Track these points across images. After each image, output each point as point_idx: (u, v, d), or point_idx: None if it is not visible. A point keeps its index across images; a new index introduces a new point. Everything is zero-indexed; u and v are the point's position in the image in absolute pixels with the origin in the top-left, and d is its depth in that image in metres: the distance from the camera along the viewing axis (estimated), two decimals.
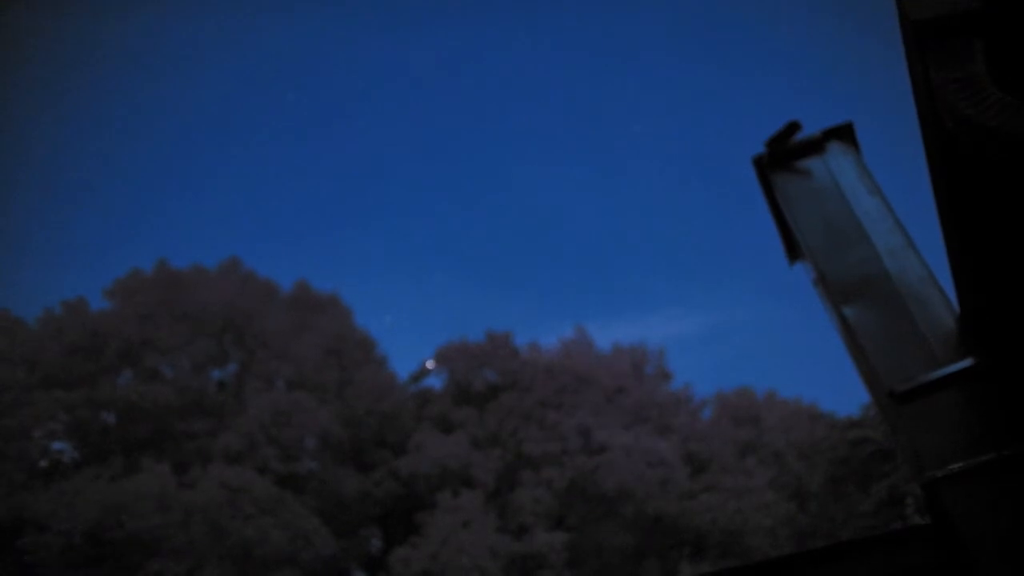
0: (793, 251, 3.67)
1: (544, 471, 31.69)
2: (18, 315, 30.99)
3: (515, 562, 29.53)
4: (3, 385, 27.75)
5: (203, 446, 29.71)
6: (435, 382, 35.88)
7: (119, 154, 44.79)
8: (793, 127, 3.56)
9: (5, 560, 26.14)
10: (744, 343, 51.20)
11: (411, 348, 59.98)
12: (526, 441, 32.42)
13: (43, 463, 29.18)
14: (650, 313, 51.93)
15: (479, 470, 31.56)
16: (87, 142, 41.65)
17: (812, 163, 3.50)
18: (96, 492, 26.42)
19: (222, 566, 26.62)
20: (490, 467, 31.86)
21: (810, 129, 3.59)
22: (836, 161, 3.48)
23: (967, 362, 2.71)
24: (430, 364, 35.23)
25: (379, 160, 49.77)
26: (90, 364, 30.16)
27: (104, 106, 41.16)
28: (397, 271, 49.40)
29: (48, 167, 40.99)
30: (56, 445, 29.87)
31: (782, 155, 3.52)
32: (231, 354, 33.14)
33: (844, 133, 3.57)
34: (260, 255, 53.75)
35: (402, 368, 39.98)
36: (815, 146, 3.53)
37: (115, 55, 39.40)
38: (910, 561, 3.35)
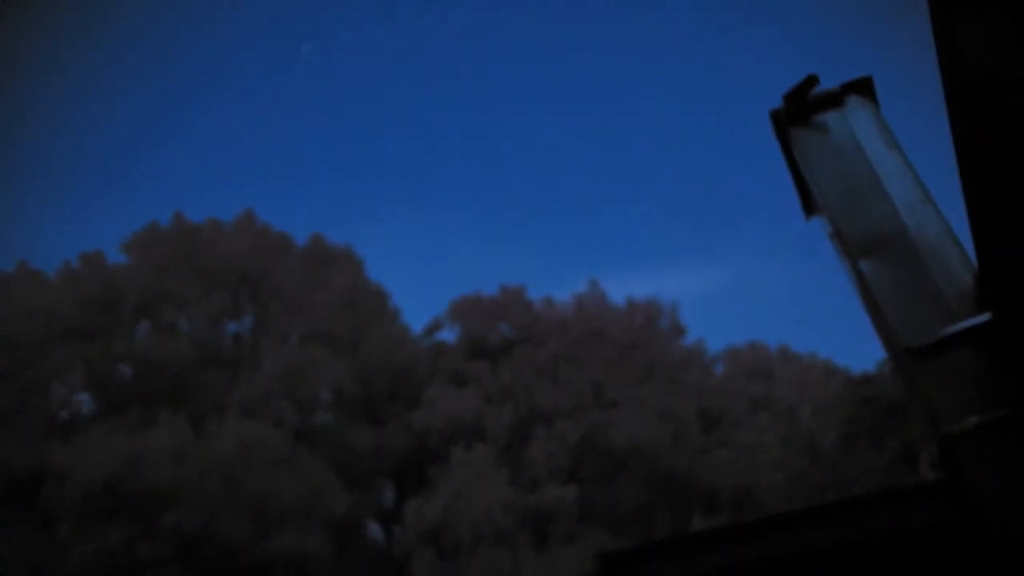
0: (810, 205, 3.64)
1: (557, 426, 31.81)
2: (37, 267, 31.20)
3: (527, 515, 29.77)
4: (23, 339, 27.97)
5: (219, 399, 29.94)
6: (449, 335, 35.98)
7: (138, 112, 44.75)
8: (811, 80, 3.50)
9: (31, 510, 26.53)
10: (759, 297, 51.15)
11: (425, 301, 60.30)
12: (539, 395, 32.50)
13: (63, 415, 29.51)
14: (666, 266, 51.80)
15: (492, 424, 31.71)
16: (106, 102, 41.54)
17: (830, 117, 3.45)
18: (114, 444, 26.70)
19: (237, 518, 26.93)
20: (503, 421, 31.99)
21: (828, 83, 3.53)
22: (855, 115, 3.42)
23: (984, 317, 2.68)
24: None
25: (393, 116, 49.59)
26: (107, 317, 30.33)
27: (120, 60, 41.03)
28: (412, 225, 49.39)
29: (68, 126, 40.97)
30: (76, 397, 30.20)
31: (800, 109, 3.48)
32: (246, 308, 33.27)
33: (863, 87, 3.51)
34: (275, 207, 53.81)
35: (416, 321, 40.14)
36: (833, 100, 3.48)
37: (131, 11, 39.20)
38: (923, 516, 3.35)
